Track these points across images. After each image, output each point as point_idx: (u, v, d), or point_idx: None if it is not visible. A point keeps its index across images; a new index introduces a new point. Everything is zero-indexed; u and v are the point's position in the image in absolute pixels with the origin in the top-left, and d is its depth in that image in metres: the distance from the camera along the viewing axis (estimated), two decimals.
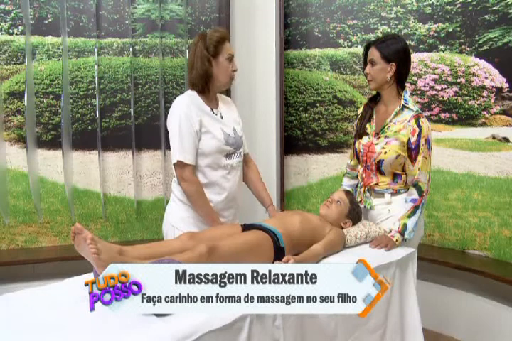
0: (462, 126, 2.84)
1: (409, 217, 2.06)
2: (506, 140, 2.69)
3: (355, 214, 2.16)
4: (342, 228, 2.10)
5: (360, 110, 2.28)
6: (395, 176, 2.13)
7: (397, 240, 2.05)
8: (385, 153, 2.09)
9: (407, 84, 2.22)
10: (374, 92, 2.24)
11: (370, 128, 2.19)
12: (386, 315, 1.95)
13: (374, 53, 2.08)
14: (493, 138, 2.74)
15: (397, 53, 2.07)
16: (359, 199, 2.25)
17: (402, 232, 2.05)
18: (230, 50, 2.08)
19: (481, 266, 2.65)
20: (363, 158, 2.19)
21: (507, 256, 2.67)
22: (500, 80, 2.69)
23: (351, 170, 2.38)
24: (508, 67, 2.65)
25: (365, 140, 2.18)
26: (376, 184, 2.17)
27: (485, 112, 2.76)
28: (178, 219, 2.15)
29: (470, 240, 2.81)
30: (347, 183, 2.41)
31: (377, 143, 2.12)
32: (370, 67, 2.10)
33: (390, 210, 2.16)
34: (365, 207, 2.23)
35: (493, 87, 2.72)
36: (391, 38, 2.12)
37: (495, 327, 2.69)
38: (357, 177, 2.32)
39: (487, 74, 2.73)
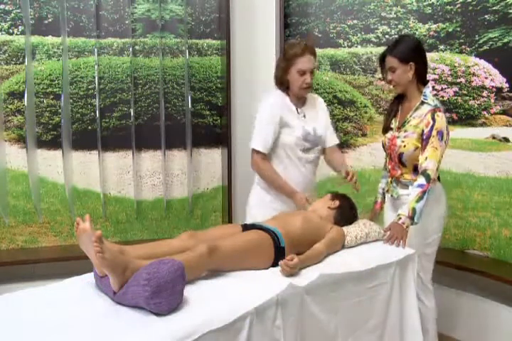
0: (462, 126, 2.84)
1: (417, 201, 2.09)
2: (506, 140, 2.69)
3: (339, 195, 2.25)
4: (333, 209, 2.16)
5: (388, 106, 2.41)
6: (415, 168, 2.21)
7: (407, 226, 2.09)
8: (404, 146, 2.21)
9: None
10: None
11: (394, 123, 2.31)
12: (386, 315, 1.95)
13: (391, 61, 2.18)
14: (493, 138, 2.74)
15: (411, 52, 2.17)
16: (387, 189, 2.36)
17: (412, 217, 2.08)
18: (304, 65, 2.28)
19: (481, 266, 2.65)
20: (388, 151, 2.33)
21: (507, 256, 2.66)
22: (500, 80, 2.69)
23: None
24: (508, 67, 2.65)
25: (389, 134, 2.32)
26: (401, 175, 2.27)
27: (485, 112, 2.76)
28: (253, 202, 2.45)
29: (470, 240, 2.81)
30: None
31: (398, 137, 2.25)
32: (391, 74, 2.20)
33: None
34: (392, 196, 2.34)
35: (493, 87, 2.72)
36: (401, 40, 2.22)
37: (495, 327, 2.69)
38: None
39: (487, 74, 2.73)
